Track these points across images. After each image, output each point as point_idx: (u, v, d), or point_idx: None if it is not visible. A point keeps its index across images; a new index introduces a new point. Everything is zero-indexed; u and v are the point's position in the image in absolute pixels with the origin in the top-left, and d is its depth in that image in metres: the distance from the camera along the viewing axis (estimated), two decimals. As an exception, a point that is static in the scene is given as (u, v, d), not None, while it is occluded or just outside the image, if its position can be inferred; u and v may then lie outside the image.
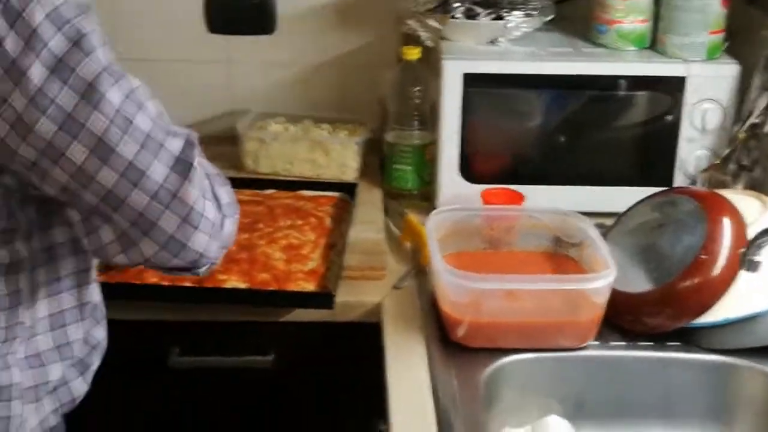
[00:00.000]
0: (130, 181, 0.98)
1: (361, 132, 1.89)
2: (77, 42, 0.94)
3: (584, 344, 1.35)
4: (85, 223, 1.05)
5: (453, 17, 1.71)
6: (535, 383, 1.35)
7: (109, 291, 1.42)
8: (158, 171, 0.99)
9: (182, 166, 1.00)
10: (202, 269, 1.09)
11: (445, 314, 1.36)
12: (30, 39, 0.92)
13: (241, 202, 1.65)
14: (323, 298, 1.42)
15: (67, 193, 1.01)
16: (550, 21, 1.77)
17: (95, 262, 1.19)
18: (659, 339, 1.36)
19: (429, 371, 1.29)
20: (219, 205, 1.07)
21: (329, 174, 1.85)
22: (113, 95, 0.96)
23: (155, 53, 1.98)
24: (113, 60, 0.98)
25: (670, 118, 1.68)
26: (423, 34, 1.75)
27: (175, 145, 1.01)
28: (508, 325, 1.34)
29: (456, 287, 1.32)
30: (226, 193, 1.10)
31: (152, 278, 1.45)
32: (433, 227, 1.44)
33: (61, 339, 1.15)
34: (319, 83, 2.00)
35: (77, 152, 0.96)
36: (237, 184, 1.66)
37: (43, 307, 1.12)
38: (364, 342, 1.43)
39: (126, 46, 1.94)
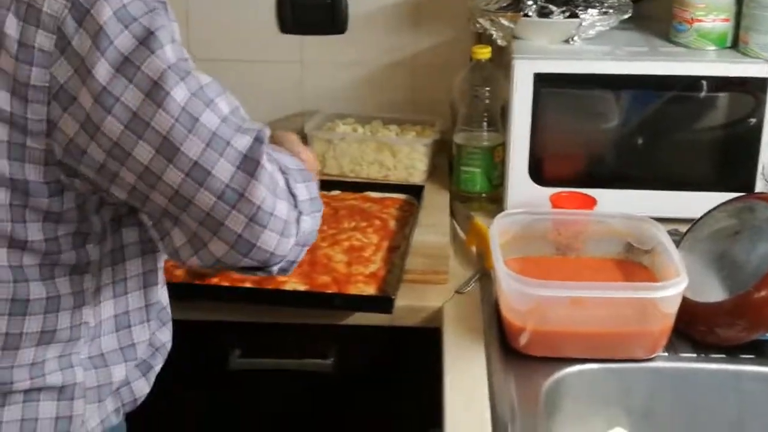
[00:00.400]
0: (196, 181, 0.96)
1: (430, 133, 1.86)
2: (144, 40, 0.93)
3: (653, 355, 1.30)
4: (157, 227, 1.04)
5: (526, 15, 1.67)
6: (600, 394, 1.30)
7: (171, 291, 1.42)
8: (224, 170, 0.97)
9: (250, 165, 0.98)
10: (274, 268, 1.06)
11: (507, 321, 1.32)
12: (96, 37, 0.92)
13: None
14: (382, 302, 1.39)
15: (135, 196, 1.00)
16: (626, 19, 1.72)
17: (162, 263, 1.19)
18: (732, 351, 1.30)
19: (488, 379, 1.26)
20: (295, 202, 1.03)
21: (397, 176, 1.82)
22: (178, 93, 0.94)
23: (227, 54, 1.99)
24: (184, 57, 0.97)
25: (752, 120, 1.61)
26: (494, 33, 1.71)
27: (243, 143, 0.98)
28: (573, 334, 1.29)
29: (518, 294, 1.28)
30: (305, 189, 1.06)
31: (213, 279, 1.44)
32: (498, 231, 1.40)
33: (126, 340, 1.14)
34: (390, 83, 1.98)
35: (143, 152, 0.95)
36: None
37: (108, 308, 1.12)
38: (423, 347, 1.41)
39: (198, 47, 1.98)
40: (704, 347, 1.31)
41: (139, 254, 1.13)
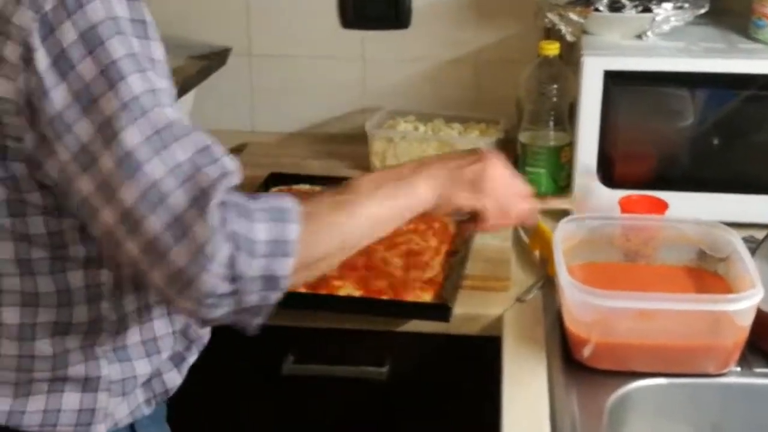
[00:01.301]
0: (124, 229, 0.92)
1: (493, 132, 1.80)
2: (105, 69, 0.90)
3: (725, 370, 1.24)
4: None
5: (596, 10, 1.60)
6: (668, 410, 1.24)
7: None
8: (151, 226, 0.91)
9: (178, 227, 0.91)
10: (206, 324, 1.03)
11: (570, 332, 1.26)
12: (59, 59, 0.90)
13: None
14: (440, 310, 1.34)
15: (81, 213, 0.97)
16: (703, 14, 1.64)
17: None
18: (808, 367, 1.24)
19: (548, 393, 1.20)
20: (233, 275, 0.92)
21: (459, 176, 1.77)
22: (127, 135, 0.90)
23: (289, 49, 1.96)
24: (151, 88, 0.92)
25: (832, 121, 1.53)
26: (563, 28, 1.65)
27: (179, 203, 0.91)
28: (640, 346, 1.23)
29: (582, 304, 1.22)
30: (267, 230, 0.95)
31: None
32: (562, 236, 1.33)
33: (148, 334, 1.13)
34: (453, 80, 1.93)
35: (84, 185, 0.92)
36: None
37: (130, 302, 1.10)
38: (482, 357, 1.36)
39: (259, 43, 1.95)
40: (779, 362, 1.25)
41: None
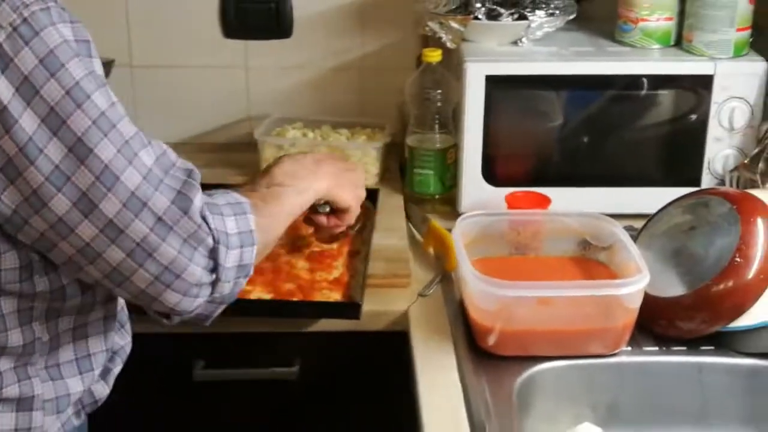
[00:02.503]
0: (108, 238, 0.97)
1: (380, 136, 1.86)
2: (70, 90, 0.93)
3: (617, 350, 1.33)
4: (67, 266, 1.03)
5: (476, 18, 1.68)
6: (568, 391, 1.32)
7: (134, 304, 1.40)
8: (137, 230, 0.98)
9: (162, 228, 0.99)
10: (176, 318, 1.08)
11: (475, 322, 1.33)
12: (22, 85, 0.91)
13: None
14: (350, 309, 1.39)
15: (42, 244, 0.99)
16: (572, 20, 1.74)
17: None
18: (693, 344, 1.34)
19: (460, 381, 1.27)
20: (215, 266, 1.04)
21: (349, 179, 1.82)
22: (102, 150, 0.94)
23: (171, 60, 1.96)
24: (111, 102, 0.96)
25: (696, 116, 1.66)
26: (444, 36, 1.72)
27: (161, 204, 0.99)
28: (540, 332, 1.31)
29: (486, 295, 1.29)
30: (235, 223, 1.07)
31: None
32: (460, 233, 1.41)
33: (82, 351, 1.14)
34: (337, 87, 1.98)
35: (60, 204, 0.95)
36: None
37: (65, 323, 1.10)
38: (390, 351, 1.41)
39: (140, 53, 1.95)
40: (666, 341, 1.34)
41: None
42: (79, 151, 0.94)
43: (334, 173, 1.32)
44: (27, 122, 0.92)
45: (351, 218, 1.39)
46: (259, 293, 1.42)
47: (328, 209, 1.37)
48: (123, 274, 1.00)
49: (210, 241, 1.03)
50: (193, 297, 1.04)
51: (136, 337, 1.42)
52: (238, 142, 1.95)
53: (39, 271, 1.02)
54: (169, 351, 1.45)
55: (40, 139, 0.92)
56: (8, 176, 0.93)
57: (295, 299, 1.41)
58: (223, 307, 1.10)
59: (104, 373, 1.19)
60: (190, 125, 2.00)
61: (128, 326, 1.22)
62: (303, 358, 1.46)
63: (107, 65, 1.90)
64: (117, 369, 1.21)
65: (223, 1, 1.92)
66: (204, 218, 1.02)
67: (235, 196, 1.11)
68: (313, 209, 1.36)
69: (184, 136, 1.99)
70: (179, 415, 1.50)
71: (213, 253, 1.03)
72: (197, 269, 1.02)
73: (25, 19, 0.91)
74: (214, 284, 1.05)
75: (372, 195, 1.73)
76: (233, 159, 1.90)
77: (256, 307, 1.40)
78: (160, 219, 0.99)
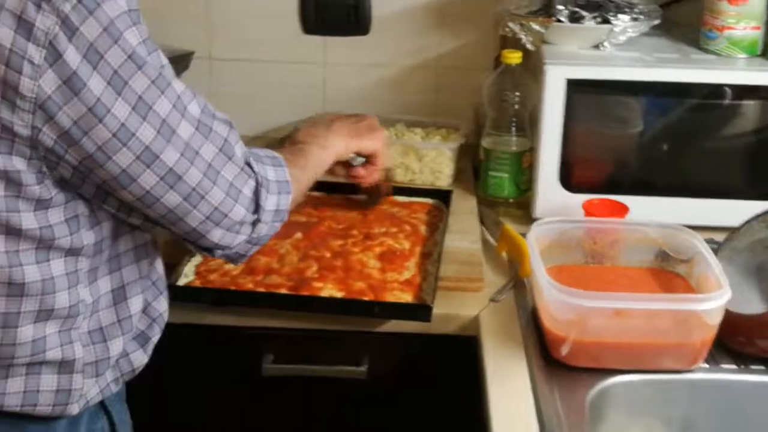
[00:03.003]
0: (167, 184, 1.08)
1: (454, 137, 1.85)
2: (131, 55, 1.01)
3: (694, 366, 1.30)
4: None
5: (558, 20, 1.66)
6: (641, 406, 1.29)
7: (205, 296, 1.41)
8: (193, 176, 1.09)
9: (212, 172, 1.10)
10: (218, 252, 1.18)
11: (548, 331, 1.31)
12: (88, 53, 0.99)
13: (333, 206, 1.65)
14: (421, 311, 1.38)
15: (100, 193, 1.09)
16: (656, 25, 1.71)
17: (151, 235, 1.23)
18: (772, 363, 1.30)
19: (532, 390, 1.25)
20: (256, 208, 1.16)
21: (422, 180, 1.81)
22: (160, 107, 1.04)
23: (250, 54, 1.98)
24: (162, 64, 1.06)
25: (782, 128, 1.61)
26: (524, 38, 1.70)
27: (209, 152, 1.10)
28: (615, 345, 1.28)
29: (561, 304, 1.27)
30: (274, 172, 1.20)
31: (248, 284, 1.43)
32: (535, 239, 1.39)
33: (123, 312, 1.18)
34: (413, 86, 1.97)
35: (124, 158, 1.04)
36: (327, 188, 1.65)
37: (104, 284, 1.16)
38: (459, 355, 1.40)
39: (221, 47, 1.96)
40: (745, 359, 1.31)
41: (129, 230, 1.18)
42: (140, 108, 1.03)
43: (347, 126, 1.45)
44: (94, 85, 0.99)
45: (382, 160, 1.51)
46: (330, 291, 1.42)
47: (360, 160, 1.49)
48: (177, 215, 1.11)
49: (253, 183, 1.16)
50: (235, 233, 1.15)
51: (208, 330, 1.43)
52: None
53: (85, 225, 1.10)
54: (238, 345, 1.45)
55: (107, 100, 1.00)
56: (75, 136, 1.01)
57: (366, 299, 1.41)
58: (256, 248, 1.21)
59: (142, 341, 1.22)
60: (265, 119, 2.00)
61: (166, 294, 1.26)
62: (371, 358, 1.46)
63: (186, 56, 1.92)
64: (156, 337, 1.24)
65: (303, -3, 1.92)
66: (248, 163, 1.15)
67: (269, 151, 1.24)
68: (349, 166, 1.48)
69: (258, 129, 2.00)
70: (247, 410, 1.50)
71: (256, 195, 1.16)
72: (241, 209, 1.14)
73: None
74: (254, 224, 1.17)
75: (445, 196, 1.73)
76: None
77: (327, 304, 1.40)
78: (210, 165, 1.10)
